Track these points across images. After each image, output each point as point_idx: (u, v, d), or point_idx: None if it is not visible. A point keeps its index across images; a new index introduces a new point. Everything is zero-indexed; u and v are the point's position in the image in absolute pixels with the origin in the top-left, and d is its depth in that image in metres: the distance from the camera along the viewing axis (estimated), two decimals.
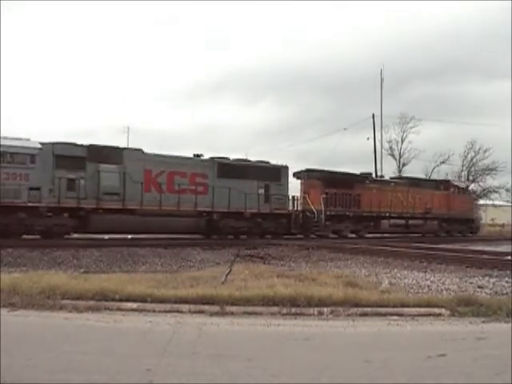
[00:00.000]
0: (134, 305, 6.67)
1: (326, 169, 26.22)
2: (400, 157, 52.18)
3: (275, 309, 6.63)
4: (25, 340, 5.08)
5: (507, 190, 48.98)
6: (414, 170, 49.76)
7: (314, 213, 22.64)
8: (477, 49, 71.85)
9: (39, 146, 16.59)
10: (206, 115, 73.96)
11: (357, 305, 6.77)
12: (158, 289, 7.40)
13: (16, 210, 15.91)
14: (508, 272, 11.07)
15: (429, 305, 6.90)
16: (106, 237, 18.72)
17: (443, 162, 52.65)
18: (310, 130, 70.05)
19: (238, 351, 4.91)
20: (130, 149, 19.48)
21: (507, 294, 8.35)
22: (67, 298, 6.80)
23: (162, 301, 6.81)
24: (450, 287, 8.98)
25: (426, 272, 11.45)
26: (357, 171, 27.81)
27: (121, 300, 6.81)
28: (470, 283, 9.59)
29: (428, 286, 9.09)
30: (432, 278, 10.21)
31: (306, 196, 23.20)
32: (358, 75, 65.94)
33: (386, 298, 7.22)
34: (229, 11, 75.38)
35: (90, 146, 17.88)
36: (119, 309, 6.58)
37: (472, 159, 54.90)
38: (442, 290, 8.71)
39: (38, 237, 16.90)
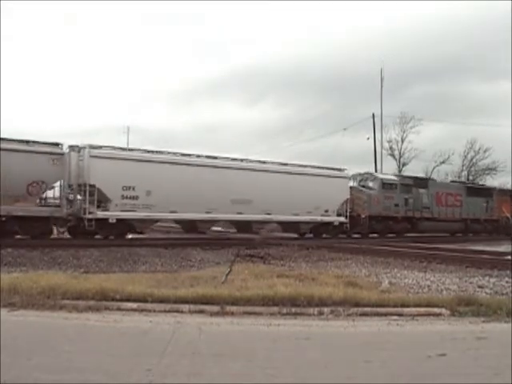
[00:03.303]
0: (134, 305, 6.65)
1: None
2: (400, 157, 52.43)
3: (275, 309, 6.62)
4: (25, 340, 5.07)
5: None
6: (414, 170, 49.91)
7: (509, 218, 32.85)
8: (477, 48, 71.85)
9: (397, 179, 28.21)
10: (206, 115, 74.00)
11: (357, 305, 6.76)
12: (158, 289, 7.38)
13: (389, 219, 26.20)
14: (508, 272, 11.08)
15: (429, 305, 6.89)
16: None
17: (443, 162, 52.89)
18: (310, 130, 70.12)
19: (238, 351, 4.91)
20: (431, 179, 31.83)
21: (507, 293, 8.36)
22: (67, 298, 6.77)
23: (162, 301, 6.79)
24: (450, 287, 8.98)
25: (425, 272, 11.45)
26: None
27: (121, 300, 6.79)
28: (470, 283, 9.59)
29: (428, 286, 9.09)
30: (432, 278, 10.21)
31: (502, 207, 33.05)
32: (358, 75, 65.97)
33: (386, 297, 7.22)
34: (229, 11, 75.43)
35: (414, 177, 29.99)
36: (119, 309, 6.56)
37: (472, 159, 55.12)
38: (442, 289, 8.71)
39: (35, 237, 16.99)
